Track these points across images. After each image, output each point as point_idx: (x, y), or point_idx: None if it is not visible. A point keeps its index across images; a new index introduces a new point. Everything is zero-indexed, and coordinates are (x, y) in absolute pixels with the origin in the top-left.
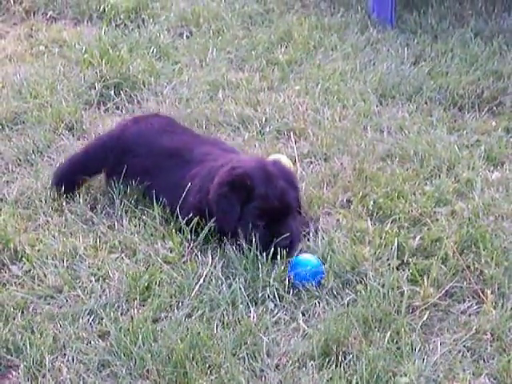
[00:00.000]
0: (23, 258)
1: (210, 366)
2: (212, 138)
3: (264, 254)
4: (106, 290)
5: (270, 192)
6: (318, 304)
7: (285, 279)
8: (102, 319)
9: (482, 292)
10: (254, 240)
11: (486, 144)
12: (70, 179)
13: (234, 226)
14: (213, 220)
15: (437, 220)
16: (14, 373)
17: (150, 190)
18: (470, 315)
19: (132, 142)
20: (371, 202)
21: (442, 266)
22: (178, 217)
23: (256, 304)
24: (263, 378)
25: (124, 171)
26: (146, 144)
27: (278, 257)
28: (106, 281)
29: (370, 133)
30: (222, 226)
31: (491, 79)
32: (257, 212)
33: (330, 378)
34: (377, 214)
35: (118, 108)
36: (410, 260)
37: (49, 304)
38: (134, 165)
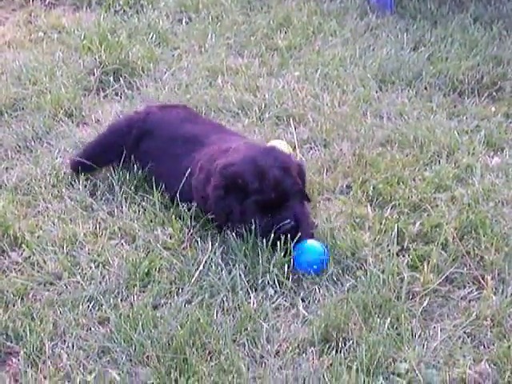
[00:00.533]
0: (23, 245)
1: (209, 353)
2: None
3: (266, 242)
4: (105, 277)
5: (264, 185)
6: (318, 290)
7: (284, 265)
8: (101, 305)
9: (482, 278)
10: (256, 232)
11: (485, 129)
12: (91, 156)
13: (236, 224)
14: (211, 213)
15: (437, 206)
16: (14, 359)
17: (155, 172)
18: (470, 301)
19: (154, 125)
20: (371, 188)
21: (442, 252)
22: (177, 202)
23: (256, 290)
24: (263, 364)
25: (139, 152)
26: (166, 128)
27: (281, 242)
28: (106, 267)
29: (370, 118)
30: (226, 224)
31: (491, 64)
32: (254, 207)
33: (330, 364)
34: (377, 199)
35: (117, 94)
36: (410, 246)
37: (48, 290)
38: (150, 147)
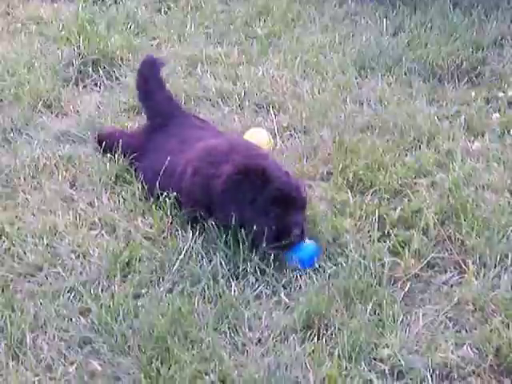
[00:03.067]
0: (2, 236)
1: (191, 341)
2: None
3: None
4: (86, 267)
5: (287, 181)
6: (299, 277)
7: (265, 253)
8: (82, 296)
9: (464, 262)
10: (263, 229)
11: (465, 114)
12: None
13: (241, 215)
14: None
15: (417, 191)
16: None
17: (143, 168)
18: (451, 286)
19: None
20: (351, 174)
21: (423, 237)
22: (157, 193)
23: (237, 278)
24: (245, 352)
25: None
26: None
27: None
28: (87, 258)
29: (350, 105)
30: (228, 213)
31: (470, 49)
32: (273, 199)
33: (313, 351)
34: (357, 185)
35: (96, 85)
36: (391, 231)
37: (29, 282)
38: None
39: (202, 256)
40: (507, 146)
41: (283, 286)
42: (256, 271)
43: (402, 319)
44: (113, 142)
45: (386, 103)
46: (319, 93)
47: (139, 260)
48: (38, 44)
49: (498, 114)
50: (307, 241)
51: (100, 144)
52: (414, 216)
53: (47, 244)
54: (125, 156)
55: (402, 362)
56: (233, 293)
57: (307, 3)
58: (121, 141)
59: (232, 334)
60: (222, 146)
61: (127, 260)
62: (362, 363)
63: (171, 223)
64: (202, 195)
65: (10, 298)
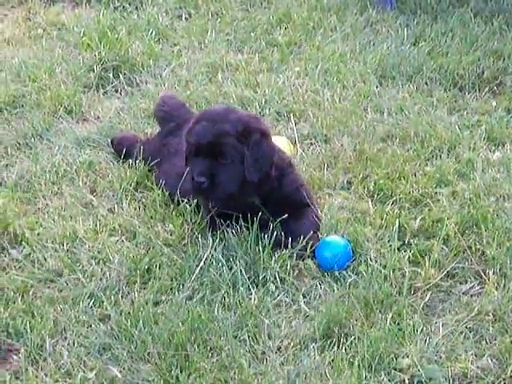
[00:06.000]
0: (23, 242)
1: (211, 349)
2: None
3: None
4: (106, 273)
5: (202, 129)
6: (319, 286)
7: (285, 260)
8: (102, 302)
9: (484, 273)
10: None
11: (486, 124)
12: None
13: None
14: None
15: (438, 201)
16: (14, 357)
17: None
18: (471, 296)
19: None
20: (372, 183)
21: (444, 247)
22: (178, 198)
23: (257, 286)
24: (265, 360)
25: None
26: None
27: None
28: (107, 264)
29: (370, 114)
30: None
31: (491, 59)
32: (188, 147)
33: (332, 360)
34: (378, 195)
35: (116, 91)
36: (412, 241)
37: (49, 288)
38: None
39: (222, 263)
40: None
41: (303, 294)
42: (276, 279)
43: (422, 329)
44: (127, 147)
45: (406, 112)
46: (340, 101)
47: (159, 267)
48: (59, 50)
49: None
50: (336, 238)
51: (116, 150)
52: (434, 226)
53: (67, 250)
54: (137, 159)
55: (422, 372)
56: (252, 301)
57: (328, 11)
58: (136, 146)
59: (251, 343)
60: None
61: (147, 266)
62: (382, 373)
63: (191, 230)
64: None
65: (29, 304)
